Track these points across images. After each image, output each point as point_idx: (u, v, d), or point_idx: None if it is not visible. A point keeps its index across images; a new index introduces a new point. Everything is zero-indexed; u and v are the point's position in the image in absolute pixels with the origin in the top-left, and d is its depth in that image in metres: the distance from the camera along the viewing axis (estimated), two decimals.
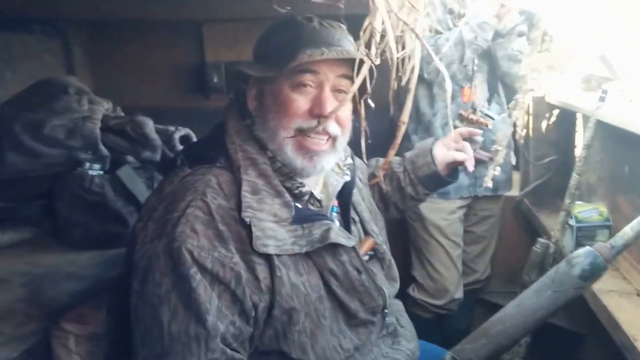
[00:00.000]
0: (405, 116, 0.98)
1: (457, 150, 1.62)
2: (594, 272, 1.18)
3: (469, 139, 2.46)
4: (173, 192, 1.18)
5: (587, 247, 1.04)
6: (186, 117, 2.31)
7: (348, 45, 1.27)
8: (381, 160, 1.73)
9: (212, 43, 3.07)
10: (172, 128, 2.06)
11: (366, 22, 0.91)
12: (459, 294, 2.63)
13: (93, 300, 1.31)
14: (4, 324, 1.31)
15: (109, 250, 1.81)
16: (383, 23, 0.87)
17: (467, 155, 1.60)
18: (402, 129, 1.01)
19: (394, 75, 0.98)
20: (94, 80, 3.05)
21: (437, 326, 2.69)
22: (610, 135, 1.94)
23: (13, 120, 1.82)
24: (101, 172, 1.81)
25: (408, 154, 1.73)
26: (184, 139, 2.13)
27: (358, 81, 0.90)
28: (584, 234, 1.95)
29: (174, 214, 1.12)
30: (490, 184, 1.76)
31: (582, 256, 1.02)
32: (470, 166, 1.59)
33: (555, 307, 1.02)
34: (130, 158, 1.94)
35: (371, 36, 1.26)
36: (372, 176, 1.70)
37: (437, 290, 2.61)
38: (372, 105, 1.30)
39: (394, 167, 1.71)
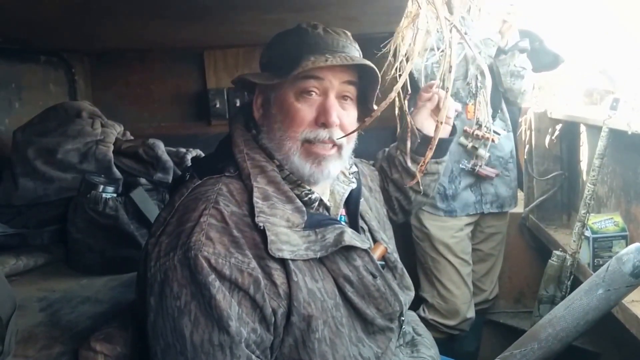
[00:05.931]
0: (442, 116, 1.00)
1: (429, 100, 1.60)
2: None
3: (475, 155, 2.50)
4: (184, 204, 1.18)
5: (637, 244, 1.02)
6: (189, 143, 2.31)
7: (353, 52, 1.28)
8: (387, 150, 1.73)
9: (214, 69, 3.09)
10: (183, 150, 2.07)
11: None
12: (471, 313, 2.60)
13: (118, 321, 1.28)
14: (28, 348, 1.28)
15: (123, 275, 1.78)
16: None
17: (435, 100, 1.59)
18: (440, 128, 1.03)
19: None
20: (97, 108, 3.03)
21: (446, 348, 2.66)
22: (622, 144, 1.95)
23: (27, 145, 1.82)
24: (114, 195, 1.79)
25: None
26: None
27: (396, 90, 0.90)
28: (600, 245, 1.93)
29: (187, 225, 1.12)
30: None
31: (632, 252, 0.99)
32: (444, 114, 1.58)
33: (608, 307, 0.99)
34: (142, 180, 1.93)
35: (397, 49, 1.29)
36: (381, 168, 1.69)
37: (448, 311, 2.59)
38: (375, 107, 1.31)
39: (381, 162, 1.70)
